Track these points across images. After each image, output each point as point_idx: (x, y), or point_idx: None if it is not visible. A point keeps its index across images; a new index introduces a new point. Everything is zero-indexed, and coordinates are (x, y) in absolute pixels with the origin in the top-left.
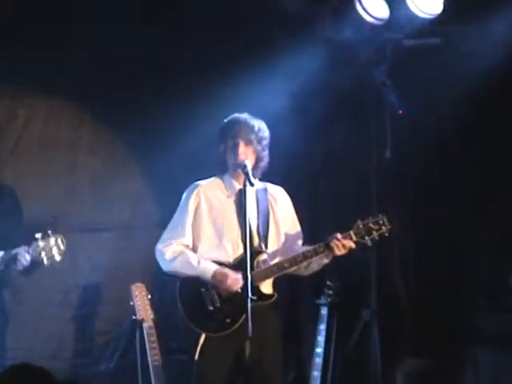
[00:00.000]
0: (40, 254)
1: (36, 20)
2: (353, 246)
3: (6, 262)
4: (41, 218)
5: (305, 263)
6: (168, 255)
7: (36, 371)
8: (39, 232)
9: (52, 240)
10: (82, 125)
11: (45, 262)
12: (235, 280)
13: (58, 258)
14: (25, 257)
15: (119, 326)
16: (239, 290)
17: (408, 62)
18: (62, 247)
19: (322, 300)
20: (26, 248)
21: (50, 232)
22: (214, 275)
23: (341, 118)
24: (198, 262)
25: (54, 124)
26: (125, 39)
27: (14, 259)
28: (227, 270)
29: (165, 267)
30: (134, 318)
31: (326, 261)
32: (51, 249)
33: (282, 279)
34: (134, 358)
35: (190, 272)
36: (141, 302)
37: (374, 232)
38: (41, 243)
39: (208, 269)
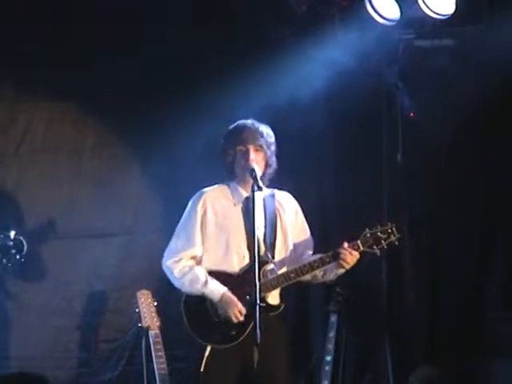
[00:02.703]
0: None
1: (37, 21)
2: (357, 255)
3: None
4: (44, 221)
5: (313, 273)
6: (176, 272)
7: (34, 379)
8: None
9: (10, 241)
10: (86, 128)
11: (3, 260)
12: (239, 312)
13: (17, 257)
14: None
15: (124, 333)
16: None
17: (420, 63)
18: (22, 249)
19: (332, 307)
20: None
21: (10, 234)
22: (222, 299)
23: (352, 120)
24: (206, 283)
25: (56, 127)
26: (128, 40)
27: None
28: (234, 299)
29: (174, 283)
30: (139, 325)
31: (342, 270)
32: (9, 249)
33: (292, 285)
34: (139, 366)
35: (197, 291)
36: (146, 309)
37: (383, 241)
38: None
39: (215, 292)
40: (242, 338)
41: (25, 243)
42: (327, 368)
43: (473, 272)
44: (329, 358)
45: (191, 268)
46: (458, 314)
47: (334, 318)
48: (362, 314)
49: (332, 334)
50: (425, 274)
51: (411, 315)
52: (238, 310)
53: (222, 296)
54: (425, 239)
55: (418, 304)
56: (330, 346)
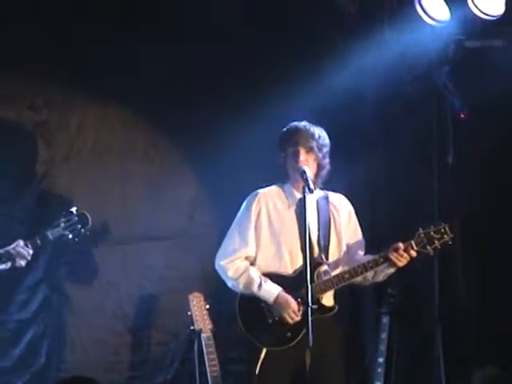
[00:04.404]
0: (63, 232)
1: (89, 29)
2: (414, 254)
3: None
4: (95, 225)
5: (367, 274)
6: (231, 273)
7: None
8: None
9: (75, 217)
10: (136, 131)
11: (70, 237)
12: (295, 312)
13: (83, 231)
14: (22, 253)
15: (176, 336)
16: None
17: (471, 63)
18: (87, 222)
19: (384, 309)
20: (21, 243)
21: (72, 210)
22: (276, 300)
23: (403, 121)
24: (260, 285)
25: (107, 131)
26: (177, 44)
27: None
28: (289, 298)
29: (227, 283)
30: (191, 328)
31: (391, 270)
32: (74, 225)
33: (345, 288)
34: (191, 369)
35: (250, 292)
36: (199, 312)
37: (436, 241)
38: (62, 223)
39: (270, 293)
40: (297, 340)
41: (89, 216)
42: (379, 370)
43: None
44: (381, 360)
45: (246, 269)
46: (510, 315)
47: (385, 320)
48: (413, 315)
49: (384, 336)
50: (476, 275)
51: (463, 317)
52: (292, 311)
53: (277, 297)
54: (476, 239)
55: (470, 305)
56: (383, 348)
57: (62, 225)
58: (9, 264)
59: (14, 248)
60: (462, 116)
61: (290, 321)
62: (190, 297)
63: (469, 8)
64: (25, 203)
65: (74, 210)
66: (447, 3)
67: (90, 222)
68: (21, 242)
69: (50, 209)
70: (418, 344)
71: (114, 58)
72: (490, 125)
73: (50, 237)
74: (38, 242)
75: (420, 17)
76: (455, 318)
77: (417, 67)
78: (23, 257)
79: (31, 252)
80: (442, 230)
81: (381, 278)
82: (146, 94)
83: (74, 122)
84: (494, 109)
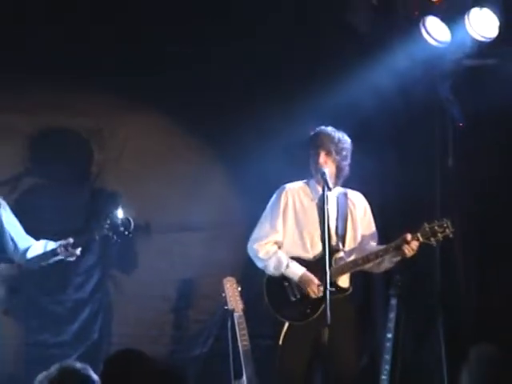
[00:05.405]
0: (108, 232)
1: (131, 40)
2: (417, 244)
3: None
4: (141, 218)
5: (377, 260)
6: (261, 254)
7: (139, 356)
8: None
9: (118, 221)
10: (176, 136)
11: (114, 238)
12: (317, 288)
13: (126, 233)
14: (72, 253)
15: (212, 315)
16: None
17: (469, 79)
18: (129, 226)
19: (392, 291)
20: (71, 241)
21: (117, 212)
22: (301, 278)
23: (410, 129)
24: (287, 265)
25: (151, 136)
26: (213, 49)
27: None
28: (312, 276)
29: (258, 263)
30: (225, 308)
31: (397, 258)
32: (117, 227)
33: (358, 273)
34: (225, 343)
35: (279, 272)
36: (232, 293)
37: (439, 234)
38: (107, 224)
39: (295, 273)
40: (315, 316)
41: (131, 221)
42: (388, 344)
43: None
44: (390, 336)
45: (275, 252)
46: (505, 298)
47: (393, 301)
48: (418, 297)
49: (392, 315)
50: (475, 270)
51: (462, 300)
52: (315, 287)
53: (302, 276)
54: (475, 236)
55: (468, 292)
56: (391, 325)
57: (107, 226)
58: (58, 258)
59: (65, 247)
60: (461, 125)
61: (313, 295)
62: (224, 281)
63: (467, 31)
64: (82, 198)
65: (119, 213)
66: (448, 27)
67: (132, 226)
68: (70, 240)
69: (102, 203)
70: (422, 322)
71: (156, 72)
72: (486, 132)
73: (97, 237)
74: (85, 241)
75: (424, 39)
76: (455, 302)
77: (423, 82)
78: (73, 255)
79: (78, 252)
80: (445, 225)
81: (388, 265)
82: (183, 106)
83: (123, 130)
84: (490, 119)
